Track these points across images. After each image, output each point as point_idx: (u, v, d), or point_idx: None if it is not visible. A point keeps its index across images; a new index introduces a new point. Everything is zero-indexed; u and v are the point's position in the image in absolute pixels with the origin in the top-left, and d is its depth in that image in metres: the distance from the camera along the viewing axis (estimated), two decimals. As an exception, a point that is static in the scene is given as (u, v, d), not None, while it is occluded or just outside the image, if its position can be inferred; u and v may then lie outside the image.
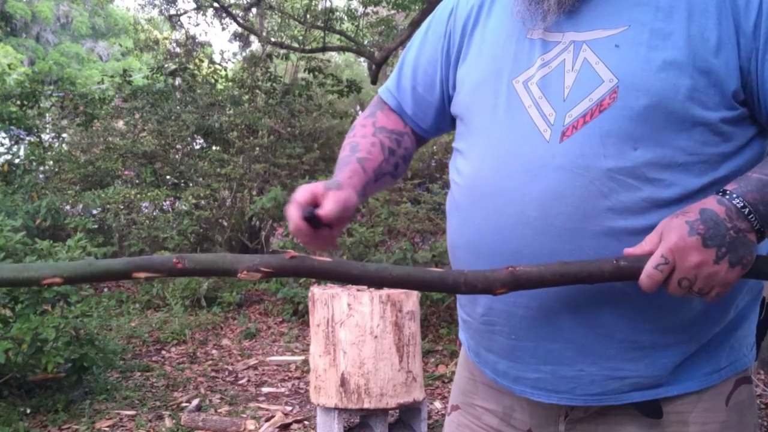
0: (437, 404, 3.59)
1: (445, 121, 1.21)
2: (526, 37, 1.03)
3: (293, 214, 0.97)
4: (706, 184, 0.93)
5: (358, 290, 2.91)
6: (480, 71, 1.07)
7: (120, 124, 8.21)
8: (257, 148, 7.25)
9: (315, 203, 0.98)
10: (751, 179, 0.89)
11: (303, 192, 0.99)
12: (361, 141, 1.18)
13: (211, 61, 10.20)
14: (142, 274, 0.89)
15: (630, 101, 0.92)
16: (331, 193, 0.99)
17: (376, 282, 0.94)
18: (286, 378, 4.14)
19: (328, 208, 0.97)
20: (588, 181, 0.92)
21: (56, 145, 8.20)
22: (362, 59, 15.41)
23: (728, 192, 0.88)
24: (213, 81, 9.22)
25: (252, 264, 0.89)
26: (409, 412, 3.03)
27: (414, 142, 1.25)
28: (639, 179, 0.92)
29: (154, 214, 6.64)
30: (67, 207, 6.43)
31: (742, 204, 0.87)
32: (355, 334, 2.80)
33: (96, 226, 5.85)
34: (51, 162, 7.65)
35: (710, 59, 0.91)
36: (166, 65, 9.92)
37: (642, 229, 0.92)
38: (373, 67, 10.06)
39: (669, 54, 0.92)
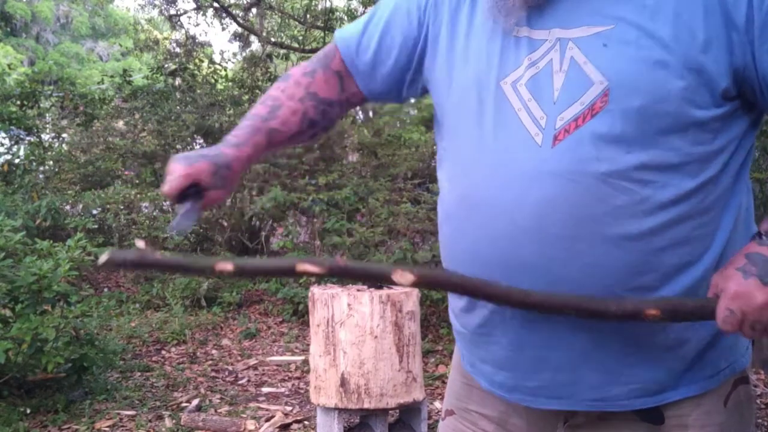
0: (437, 404, 3.58)
1: (396, 89, 1.17)
2: (511, 35, 1.00)
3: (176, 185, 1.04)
4: (700, 183, 0.93)
5: (358, 290, 2.91)
6: (465, 70, 1.04)
7: (120, 124, 8.20)
8: (257, 148, 7.23)
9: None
10: None
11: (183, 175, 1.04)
12: (285, 104, 1.14)
13: (211, 61, 10.21)
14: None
15: (622, 104, 0.90)
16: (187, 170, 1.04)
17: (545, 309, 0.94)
18: (286, 378, 4.14)
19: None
20: (582, 187, 0.91)
21: (56, 145, 8.20)
22: (362, 59, 15.37)
23: (764, 234, 0.89)
24: (213, 81, 9.22)
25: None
26: (409, 412, 3.03)
27: (345, 108, 1.21)
28: (633, 182, 0.91)
29: (154, 214, 6.64)
30: (67, 207, 6.42)
31: None
32: (355, 334, 2.80)
33: (96, 226, 5.84)
34: (51, 162, 7.65)
35: (699, 57, 0.90)
36: (166, 65, 9.91)
37: (638, 234, 0.91)
38: (373, 67, 10.03)
39: (658, 53, 0.90)
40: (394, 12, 1.15)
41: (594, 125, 0.91)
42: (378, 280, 0.96)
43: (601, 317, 0.90)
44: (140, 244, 0.96)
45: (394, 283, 0.93)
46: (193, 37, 11.84)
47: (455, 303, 1.12)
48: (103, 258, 0.96)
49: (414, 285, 0.94)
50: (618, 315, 0.89)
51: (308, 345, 3.96)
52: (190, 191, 1.03)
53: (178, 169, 1.03)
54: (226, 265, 0.95)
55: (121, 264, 0.98)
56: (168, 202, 7.10)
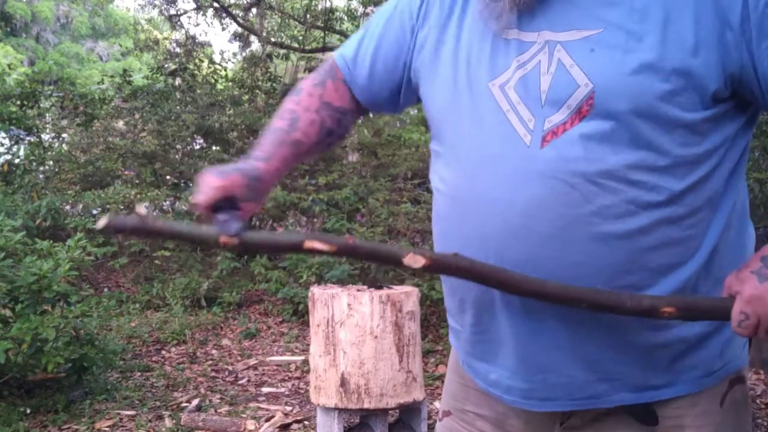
0: (437, 404, 3.59)
1: (393, 99, 1.19)
2: (501, 37, 1.00)
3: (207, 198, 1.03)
4: (689, 185, 0.93)
5: (358, 290, 2.91)
6: (455, 72, 1.05)
7: (120, 124, 8.20)
8: (257, 148, 7.23)
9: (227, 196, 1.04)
10: None
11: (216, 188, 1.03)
12: (303, 116, 1.16)
13: (211, 61, 10.20)
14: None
15: (608, 107, 0.91)
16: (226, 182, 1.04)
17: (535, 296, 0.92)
18: (286, 378, 4.14)
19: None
20: (570, 187, 0.92)
21: (56, 145, 8.20)
22: (362, 59, 15.35)
23: None
24: (213, 81, 9.22)
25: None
26: (409, 412, 3.03)
27: (356, 117, 1.24)
28: (621, 182, 0.91)
29: (154, 214, 6.64)
30: (67, 207, 6.43)
31: None
32: (355, 334, 2.80)
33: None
34: (51, 162, 7.65)
35: (688, 60, 0.90)
36: (166, 65, 9.91)
37: (626, 233, 0.92)
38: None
39: (645, 56, 0.91)
40: (387, 24, 1.17)
41: (582, 127, 0.92)
42: (387, 262, 0.95)
43: (616, 312, 0.90)
44: (141, 210, 0.95)
45: (404, 266, 0.92)
46: (193, 37, 11.83)
47: (450, 302, 1.12)
48: (101, 222, 0.94)
49: (425, 269, 0.92)
50: (633, 311, 0.89)
51: (308, 345, 3.96)
52: (223, 204, 1.02)
53: (212, 181, 1.03)
54: (231, 239, 0.94)
55: (120, 229, 0.96)
56: (167, 202, 7.10)
